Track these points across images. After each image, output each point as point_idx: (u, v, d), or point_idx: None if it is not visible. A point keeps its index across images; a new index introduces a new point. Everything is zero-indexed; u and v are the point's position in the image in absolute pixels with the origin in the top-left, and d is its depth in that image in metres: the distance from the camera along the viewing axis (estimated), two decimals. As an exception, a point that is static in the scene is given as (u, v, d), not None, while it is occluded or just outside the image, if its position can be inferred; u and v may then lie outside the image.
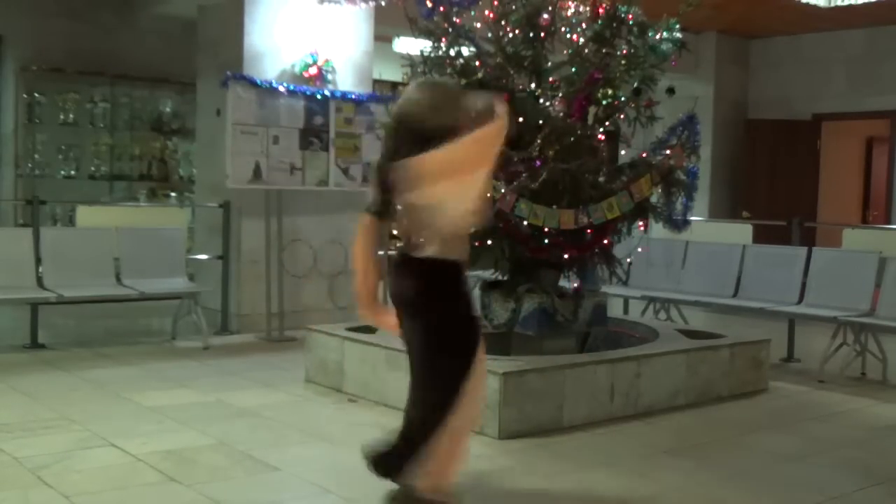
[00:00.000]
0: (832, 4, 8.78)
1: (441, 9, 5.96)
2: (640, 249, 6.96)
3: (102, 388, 5.94)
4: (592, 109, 5.90)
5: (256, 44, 8.12)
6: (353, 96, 8.39)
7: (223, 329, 8.17)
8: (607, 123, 6.03)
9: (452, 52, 6.01)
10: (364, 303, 3.58)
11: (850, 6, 8.95)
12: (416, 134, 3.35)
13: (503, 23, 6.04)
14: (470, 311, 3.55)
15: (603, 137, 5.99)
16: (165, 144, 9.85)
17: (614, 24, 5.98)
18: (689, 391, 5.95)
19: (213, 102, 8.28)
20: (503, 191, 5.52)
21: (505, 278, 6.20)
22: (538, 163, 5.66)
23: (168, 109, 9.82)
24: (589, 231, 5.80)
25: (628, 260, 7.11)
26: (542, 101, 5.98)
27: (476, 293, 6.10)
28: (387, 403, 5.45)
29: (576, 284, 6.13)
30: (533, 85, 6.03)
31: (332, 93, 8.26)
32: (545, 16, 5.98)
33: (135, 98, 9.68)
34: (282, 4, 8.23)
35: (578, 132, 5.80)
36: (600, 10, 6.01)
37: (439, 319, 3.45)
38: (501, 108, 3.41)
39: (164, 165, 9.84)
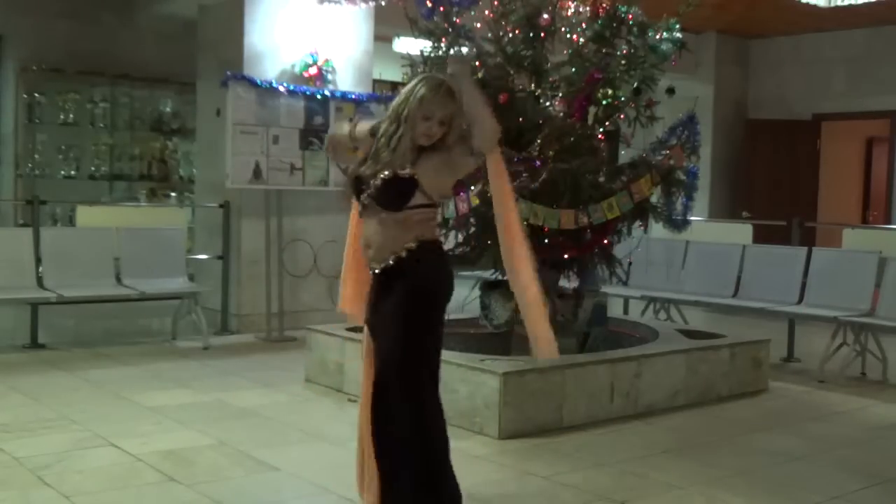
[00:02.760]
0: (832, 4, 8.77)
1: (441, 9, 5.96)
2: (639, 249, 6.96)
3: (102, 388, 5.94)
4: (592, 109, 5.90)
5: (256, 44, 8.12)
6: (353, 96, 8.39)
7: (223, 329, 8.18)
8: (607, 123, 6.03)
9: (452, 52, 6.01)
10: None
11: (850, 6, 8.94)
12: None
13: (503, 23, 6.04)
14: None
15: (603, 137, 5.98)
16: (165, 144, 9.85)
17: (614, 24, 5.98)
18: (689, 391, 5.95)
19: (213, 102, 8.28)
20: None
21: (505, 278, 6.19)
22: (538, 163, 5.66)
23: (168, 109, 9.81)
24: (589, 231, 5.80)
25: (629, 260, 7.11)
26: (542, 101, 5.98)
27: (476, 293, 6.12)
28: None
29: (575, 285, 6.13)
30: (533, 85, 6.04)
31: (332, 93, 8.26)
32: (545, 16, 5.98)
33: (135, 98, 9.67)
34: (282, 4, 8.23)
35: (578, 132, 5.80)
36: (600, 11, 6.01)
37: None
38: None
39: (164, 165, 9.83)
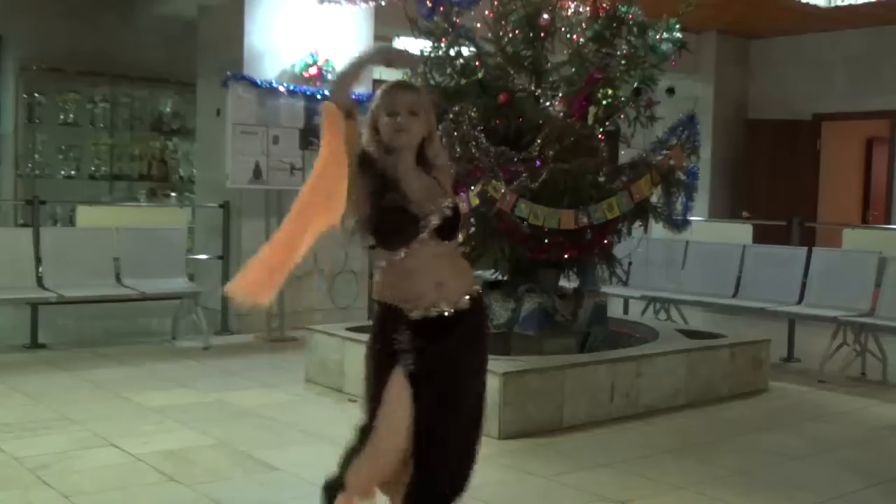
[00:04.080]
0: (832, 4, 8.78)
1: (441, 9, 5.96)
2: (639, 249, 6.97)
3: (102, 388, 5.94)
4: (592, 109, 5.90)
5: (256, 44, 8.11)
6: (353, 96, 8.35)
7: (223, 329, 8.17)
8: (607, 123, 6.03)
9: (452, 52, 6.01)
10: None
11: (850, 6, 8.95)
12: None
13: (503, 23, 6.05)
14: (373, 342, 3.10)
15: (603, 137, 5.99)
16: (165, 144, 9.86)
17: (614, 24, 5.98)
18: (689, 391, 5.95)
19: (213, 102, 8.28)
20: (503, 191, 5.52)
21: (505, 278, 6.20)
22: (538, 163, 5.66)
23: (168, 109, 9.82)
24: (589, 231, 5.80)
25: (629, 260, 7.11)
26: (542, 101, 5.99)
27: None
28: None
29: (575, 285, 6.14)
30: (533, 85, 6.04)
31: (333, 93, 8.25)
32: (545, 16, 5.98)
33: (135, 98, 9.68)
34: (282, 4, 8.23)
35: (578, 132, 5.80)
36: (600, 10, 6.02)
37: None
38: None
39: (164, 165, 9.84)
